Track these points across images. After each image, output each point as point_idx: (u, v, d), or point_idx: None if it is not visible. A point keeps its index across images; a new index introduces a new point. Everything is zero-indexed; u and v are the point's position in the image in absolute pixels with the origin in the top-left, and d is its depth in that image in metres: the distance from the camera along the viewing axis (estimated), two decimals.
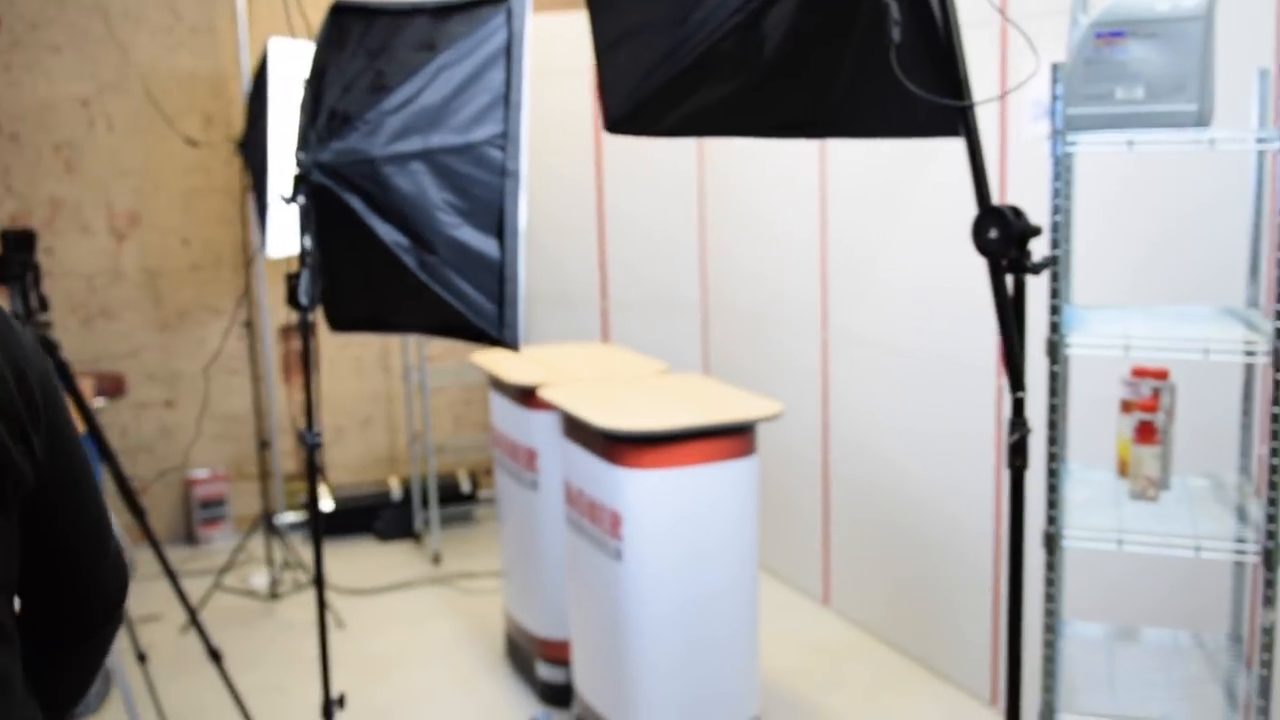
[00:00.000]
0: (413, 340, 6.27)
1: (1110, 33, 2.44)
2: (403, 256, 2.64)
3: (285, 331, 6.39)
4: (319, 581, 2.85)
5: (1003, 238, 2.04)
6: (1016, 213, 2.05)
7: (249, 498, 6.43)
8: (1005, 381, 3.99)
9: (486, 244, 2.67)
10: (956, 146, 4.26)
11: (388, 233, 2.64)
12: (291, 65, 4.65)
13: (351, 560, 5.99)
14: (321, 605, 2.91)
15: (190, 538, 6.30)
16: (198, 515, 6.26)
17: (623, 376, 4.27)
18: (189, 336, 6.25)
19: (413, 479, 6.30)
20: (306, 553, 5.89)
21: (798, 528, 5.33)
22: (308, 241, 2.62)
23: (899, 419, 4.62)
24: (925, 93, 2.08)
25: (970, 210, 4.22)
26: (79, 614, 1.62)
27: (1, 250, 3.35)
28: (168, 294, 6.19)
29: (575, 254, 6.11)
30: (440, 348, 6.61)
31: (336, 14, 2.84)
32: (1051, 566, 2.50)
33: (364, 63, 2.70)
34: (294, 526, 6.34)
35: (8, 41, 5.78)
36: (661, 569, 3.55)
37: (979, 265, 4.04)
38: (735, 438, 3.60)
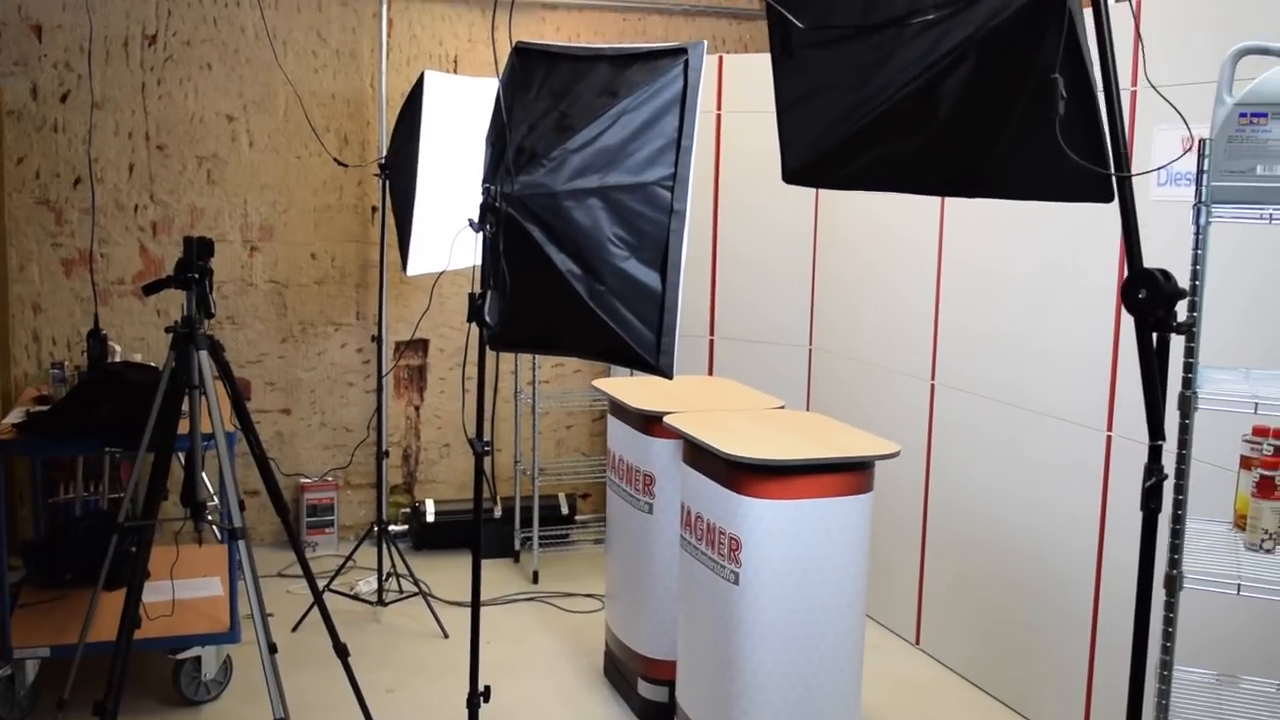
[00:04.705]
0: (525, 364, 6.49)
1: (1254, 113, 2.61)
2: (574, 284, 2.85)
3: (400, 348, 6.64)
4: (476, 573, 3.05)
5: (1151, 298, 2.20)
6: (1166, 276, 2.21)
7: (352, 506, 6.69)
8: (1114, 434, 4.15)
9: (650, 276, 2.87)
10: (1062, 213, 4.45)
11: (562, 261, 2.85)
12: (444, 97, 4.90)
13: (452, 574, 6.19)
14: (476, 596, 3.11)
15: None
16: (306, 521, 6.49)
17: (739, 409, 4.45)
18: (309, 348, 6.51)
19: (514, 498, 6.51)
20: (412, 561, 6.13)
21: (893, 568, 5.48)
22: (494, 265, 2.83)
23: (1002, 469, 4.77)
24: (1082, 161, 2.25)
25: (1074, 274, 4.41)
26: None
27: (183, 255, 3.60)
28: (293, 305, 6.46)
29: (688, 289, 6.32)
30: (547, 373, 6.84)
31: (519, 55, 3.06)
32: (1171, 608, 2.66)
33: (548, 104, 2.92)
34: (397, 536, 6.56)
35: (162, 57, 6.10)
36: (777, 595, 3.72)
37: (1093, 324, 4.22)
38: (854, 474, 3.77)
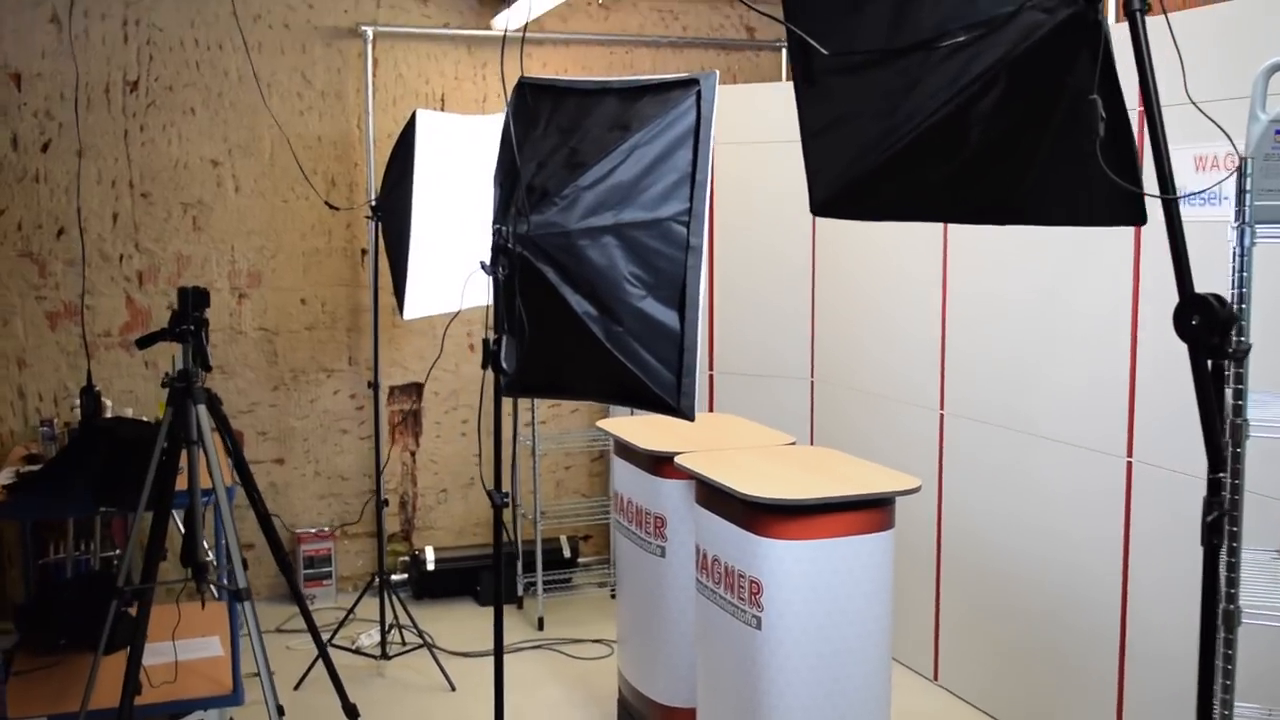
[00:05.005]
0: (523, 406, 6.38)
1: None
2: (591, 326, 2.74)
3: (395, 393, 6.52)
4: (498, 632, 2.93)
5: (1205, 324, 2.10)
6: (1220, 301, 2.11)
7: (350, 556, 6.55)
8: (1135, 460, 4.05)
9: (668, 316, 2.76)
10: (1069, 236, 4.35)
11: (578, 302, 2.74)
12: (436, 135, 4.79)
13: (455, 622, 6.06)
14: (499, 647, 2.99)
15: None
16: (303, 573, 6.35)
17: (750, 446, 4.34)
18: (302, 395, 6.39)
19: (516, 543, 6.38)
20: (413, 611, 5.99)
21: (909, 603, 5.36)
22: (509, 309, 2.73)
23: (1017, 498, 4.66)
24: (1120, 183, 2.15)
25: (1086, 297, 4.32)
26: None
27: (178, 307, 3.48)
28: (283, 353, 6.33)
29: None
30: (544, 414, 6.72)
31: (524, 90, 2.96)
32: (1230, 644, 2.55)
33: (557, 140, 2.82)
34: (397, 586, 6.42)
35: (144, 103, 5.99)
36: (800, 639, 3.60)
37: (1108, 348, 4.13)
38: (875, 511, 3.67)
